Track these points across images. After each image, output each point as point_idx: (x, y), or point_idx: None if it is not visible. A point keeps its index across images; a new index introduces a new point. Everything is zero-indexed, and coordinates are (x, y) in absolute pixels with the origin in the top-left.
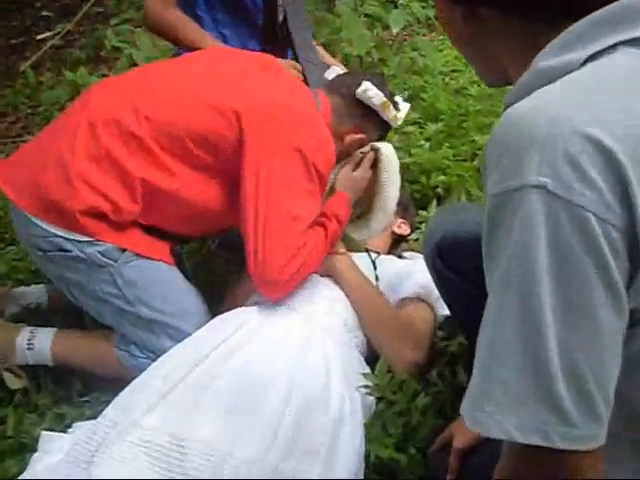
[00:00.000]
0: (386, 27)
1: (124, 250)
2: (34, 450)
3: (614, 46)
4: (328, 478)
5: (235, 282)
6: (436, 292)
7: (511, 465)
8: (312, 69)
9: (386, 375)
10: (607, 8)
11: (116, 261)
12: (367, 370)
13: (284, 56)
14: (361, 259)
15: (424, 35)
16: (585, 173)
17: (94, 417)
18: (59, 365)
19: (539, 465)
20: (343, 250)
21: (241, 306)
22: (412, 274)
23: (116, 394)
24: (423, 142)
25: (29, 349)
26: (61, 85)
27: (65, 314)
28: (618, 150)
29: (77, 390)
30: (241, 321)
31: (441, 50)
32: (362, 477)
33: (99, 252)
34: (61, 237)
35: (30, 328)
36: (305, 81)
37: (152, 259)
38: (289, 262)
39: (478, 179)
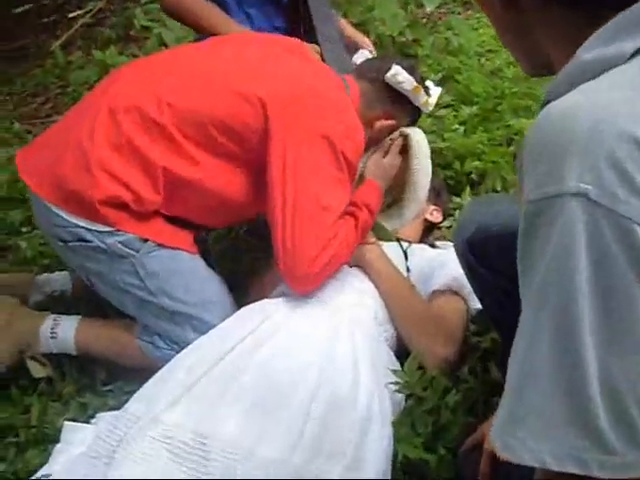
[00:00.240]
0: (420, 5)
1: (146, 240)
2: (57, 441)
3: None
4: (354, 479)
5: (262, 270)
6: (469, 285)
7: None
8: (329, 47)
9: (416, 372)
10: None
11: (138, 251)
12: (397, 365)
13: (306, 33)
14: (392, 249)
15: (459, 14)
16: (632, 180)
17: (117, 407)
18: (82, 354)
19: None
20: (373, 240)
21: (268, 296)
22: (444, 265)
23: (140, 384)
24: (457, 126)
25: (52, 338)
26: (90, 65)
27: (89, 302)
28: None
29: (101, 379)
30: (267, 313)
31: (476, 29)
32: (389, 478)
33: (120, 242)
34: (82, 227)
35: (54, 316)
36: (322, 59)
37: (174, 249)
38: (320, 254)
39: (514, 165)
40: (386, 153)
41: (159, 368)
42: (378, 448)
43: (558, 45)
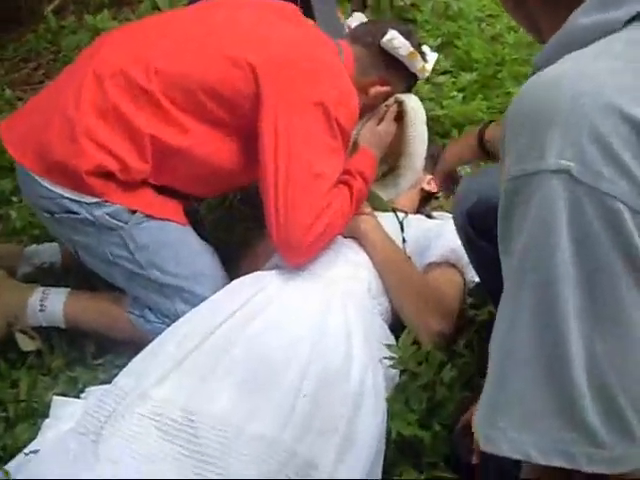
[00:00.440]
0: None
1: (134, 211)
2: (46, 415)
3: None
4: (346, 456)
5: (256, 241)
6: (466, 257)
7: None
8: (321, 9)
9: (410, 347)
10: None
11: (126, 223)
12: (391, 339)
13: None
14: (387, 219)
15: None
16: (617, 157)
17: (108, 381)
18: (71, 327)
19: None
20: (368, 210)
21: (261, 268)
22: (441, 236)
23: (130, 358)
24: (455, 93)
25: (41, 310)
26: (83, 30)
27: (78, 273)
28: None
29: (91, 353)
30: (259, 286)
31: None
32: (382, 456)
33: (108, 214)
34: (67, 198)
35: (42, 289)
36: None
37: (164, 220)
38: (313, 223)
39: None
40: (381, 120)
41: (150, 341)
42: (371, 424)
43: (548, 15)
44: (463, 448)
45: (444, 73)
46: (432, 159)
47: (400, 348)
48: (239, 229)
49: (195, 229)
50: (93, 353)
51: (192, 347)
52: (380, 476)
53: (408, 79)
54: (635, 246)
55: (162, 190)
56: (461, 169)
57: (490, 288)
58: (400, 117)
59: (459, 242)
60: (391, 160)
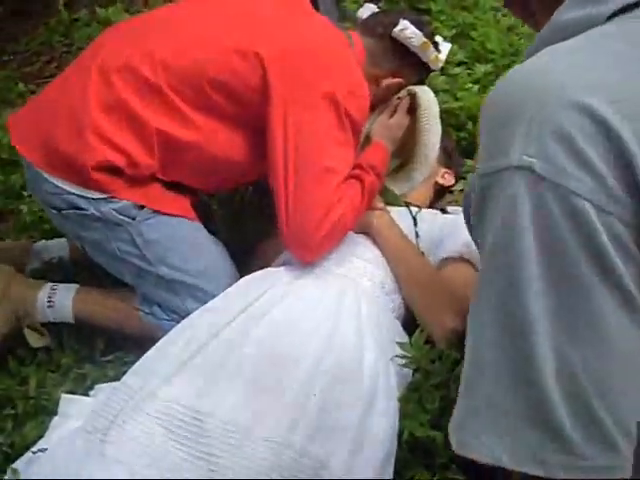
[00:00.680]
0: None
1: (142, 207)
2: (55, 413)
3: None
4: (357, 458)
5: (267, 235)
6: None
7: None
8: None
9: (423, 345)
10: None
11: (134, 219)
12: (404, 337)
13: None
14: (400, 214)
15: None
16: (580, 153)
17: (117, 378)
18: (80, 323)
19: None
20: (381, 204)
21: (272, 264)
22: (455, 231)
23: (139, 354)
24: (471, 85)
25: (50, 306)
26: (95, 23)
27: (87, 269)
28: (628, 132)
29: (100, 349)
30: (269, 283)
31: None
32: (394, 457)
33: (115, 210)
34: (75, 195)
35: (51, 284)
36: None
37: (173, 215)
38: (323, 219)
39: None
40: (393, 113)
41: (159, 338)
42: (383, 424)
43: (542, 6)
44: None
45: (459, 64)
46: (445, 152)
47: (413, 346)
48: (251, 223)
49: (205, 224)
50: (102, 350)
51: (200, 346)
52: (392, 477)
53: (421, 70)
54: (602, 244)
55: (170, 185)
56: None
57: None
58: (413, 109)
59: None
60: (404, 153)
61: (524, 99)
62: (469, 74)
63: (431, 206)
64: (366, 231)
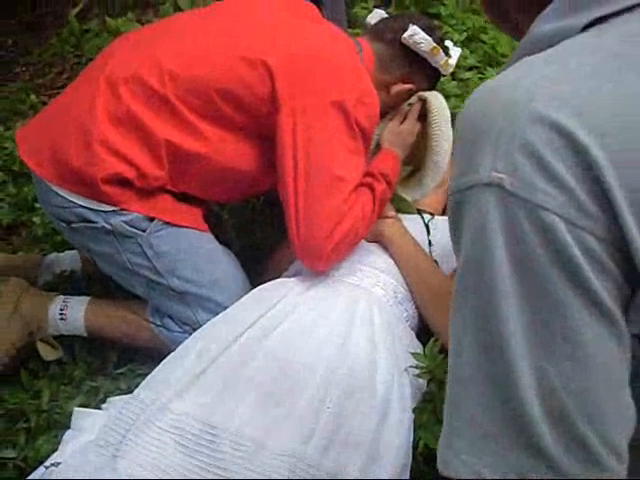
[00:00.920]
0: None
1: (152, 219)
2: (67, 426)
3: (632, 8)
4: (371, 470)
5: (279, 245)
6: None
7: None
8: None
9: (438, 355)
10: None
11: (144, 231)
12: (418, 347)
13: None
14: (413, 222)
15: None
16: (548, 168)
17: (129, 390)
18: (93, 336)
19: None
20: (392, 213)
21: (284, 274)
22: None
23: (152, 366)
24: None
25: (62, 319)
26: (106, 33)
27: (99, 281)
28: (595, 146)
29: (112, 362)
30: (281, 294)
31: None
32: (409, 469)
33: (125, 222)
34: (84, 207)
35: (63, 297)
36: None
37: (183, 227)
38: (334, 229)
39: None
40: (404, 119)
41: (171, 350)
42: (397, 436)
43: (524, 14)
44: None
45: (470, 69)
46: None
47: (427, 356)
48: (262, 233)
49: (217, 234)
50: (114, 362)
51: (212, 359)
52: None
53: (431, 76)
54: (573, 258)
55: (181, 196)
56: None
57: None
58: (424, 115)
59: None
60: (415, 160)
61: (493, 114)
62: (480, 78)
63: (444, 213)
64: (378, 240)
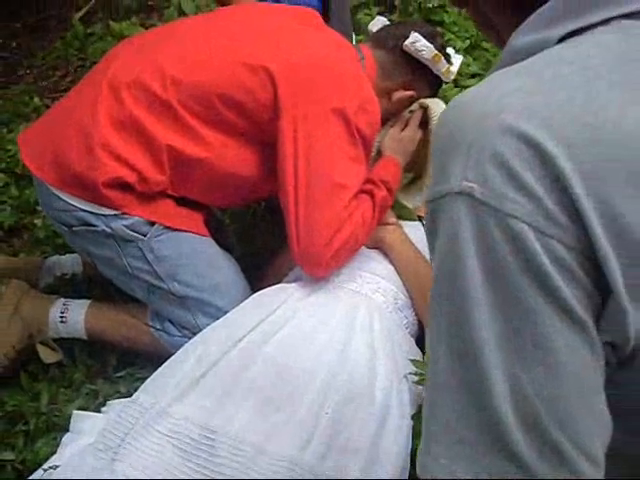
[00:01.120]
0: None
1: (153, 223)
2: (66, 429)
3: (608, 21)
4: (370, 476)
5: (280, 250)
6: None
7: None
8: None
9: None
10: None
11: (145, 235)
12: (418, 353)
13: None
14: (414, 228)
15: None
16: (517, 177)
17: (129, 394)
18: (93, 339)
19: None
20: (393, 219)
21: (284, 279)
22: None
23: (152, 370)
24: None
25: (62, 322)
26: (109, 37)
27: (100, 284)
28: (563, 156)
29: (112, 365)
30: (281, 299)
31: None
32: (407, 475)
33: (126, 226)
34: (85, 211)
35: (63, 300)
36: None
37: (184, 231)
38: (335, 235)
39: None
40: (405, 126)
41: (171, 354)
42: (396, 442)
43: (501, 16)
44: None
45: (473, 76)
46: None
47: (426, 363)
48: (264, 238)
49: (218, 239)
50: (114, 365)
51: (212, 363)
52: None
53: (433, 83)
54: (542, 266)
55: (182, 201)
56: None
57: None
58: (425, 123)
59: None
60: (416, 167)
61: (465, 126)
62: None
63: None
64: (379, 246)
